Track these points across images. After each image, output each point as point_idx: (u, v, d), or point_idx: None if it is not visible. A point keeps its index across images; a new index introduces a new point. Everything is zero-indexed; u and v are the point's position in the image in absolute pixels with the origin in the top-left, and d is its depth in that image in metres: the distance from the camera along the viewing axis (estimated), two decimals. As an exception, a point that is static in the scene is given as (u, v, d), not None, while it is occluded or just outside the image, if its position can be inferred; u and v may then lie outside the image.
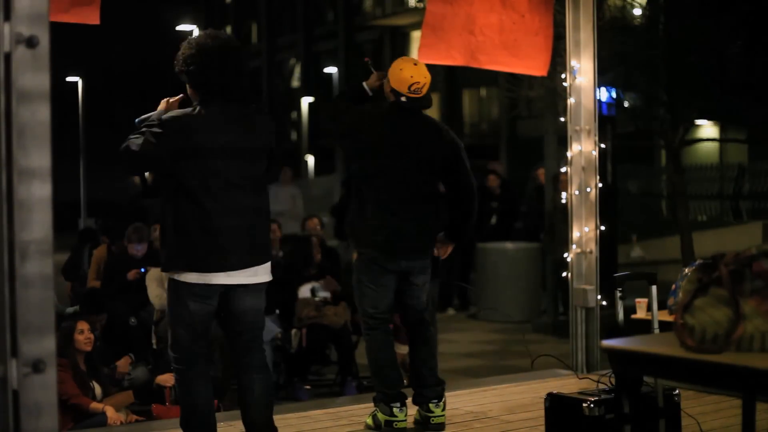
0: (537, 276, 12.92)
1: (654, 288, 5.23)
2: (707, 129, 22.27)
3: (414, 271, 5.42)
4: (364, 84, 5.50)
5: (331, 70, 39.10)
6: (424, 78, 5.28)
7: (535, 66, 6.95)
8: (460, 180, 5.40)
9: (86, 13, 5.62)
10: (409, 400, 5.46)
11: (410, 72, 5.26)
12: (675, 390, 4.77)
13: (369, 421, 5.46)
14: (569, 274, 6.99)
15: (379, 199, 5.28)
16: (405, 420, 5.34)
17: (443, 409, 5.42)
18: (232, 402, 7.23)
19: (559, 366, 6.95)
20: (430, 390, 5.42)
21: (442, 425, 5.41)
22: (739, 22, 10.49)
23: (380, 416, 5.36)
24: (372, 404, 5.50)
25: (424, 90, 5.30)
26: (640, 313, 5.72)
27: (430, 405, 5.38)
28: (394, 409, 5.31)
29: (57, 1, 5.45)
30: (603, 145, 7.34)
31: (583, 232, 6.94)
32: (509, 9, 6.71)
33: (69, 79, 33.76)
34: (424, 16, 6.56)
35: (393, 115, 5.34)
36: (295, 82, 44.18)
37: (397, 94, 5.29)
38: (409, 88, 5.25)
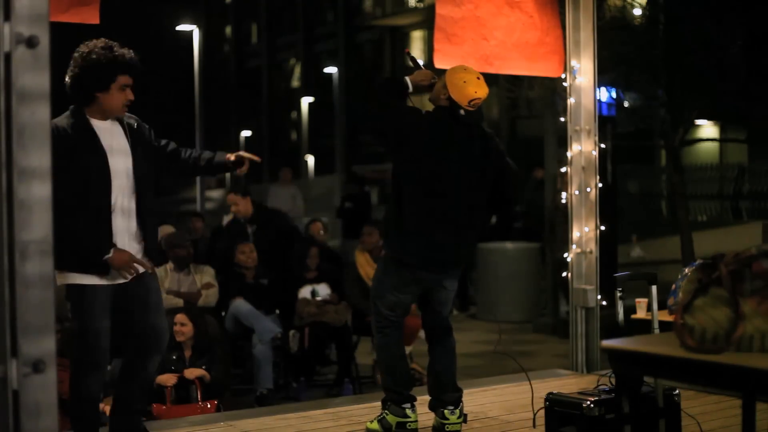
0: (537, 276, 12.93)
1: (654, 288, 5.22)
2: (707, 129, 22.26)
3: (446, 279, 5.34)
4: (407, 79, 5.33)
5: (331, 70, 39.10)
6: (484, 94, 5.20)
7: (550, 68, 6.93)
8: (506, 193, 5.38)
9: (85, 13, 5.61)
10: (424, 405, 5.43)
11: (474, 88, 5.15)
12: (675, 390, 4.77)
13: (374, 426, 5.33)
14: (569, 274, 7.00)
15: (422, 208, 5.15)
16: (417, 421, 5.29)
17: (459, 416, 5.33)
18: (231, 402, 7.25)
19: (558, 366, 6.95)
20: (449, 396, 5.34)
21: None
22: (739, 22, 10.50)
23: (390, 418, 5.28)
24: (367, 407, 5.47)
25: (479, 104, 5.23)
26: (640, 313, 5.72)
27: (446, 412, 5.31)
28: (407, 410, 5.26)
29: (56, 2, 5.45)
30: (603, 145, 7.35)
31: (583, 232, 6.94)
32: (516, 10, 6.69)
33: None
34: (427, 17, 6.53)
35: (446, 123, 5.21)
36: (295, 82, 44.19)
37: (455, 105, 5.17)
38: (469, 102, 5.16)
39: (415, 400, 5.34)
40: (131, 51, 4.66)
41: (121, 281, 4.61)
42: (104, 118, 4.63)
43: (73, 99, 4.61)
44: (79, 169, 4.47)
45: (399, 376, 5.33)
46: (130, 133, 4.67)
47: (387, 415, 5.30)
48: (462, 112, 5.18)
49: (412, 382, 5.43)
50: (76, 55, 4.57)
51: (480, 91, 5.18)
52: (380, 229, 7.82)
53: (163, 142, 4.88)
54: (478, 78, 5.21)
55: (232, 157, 4.91)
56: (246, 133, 48.10)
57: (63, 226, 4.53)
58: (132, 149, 4.64)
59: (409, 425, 5.27)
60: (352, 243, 12.58)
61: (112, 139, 4.61)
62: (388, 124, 5.28)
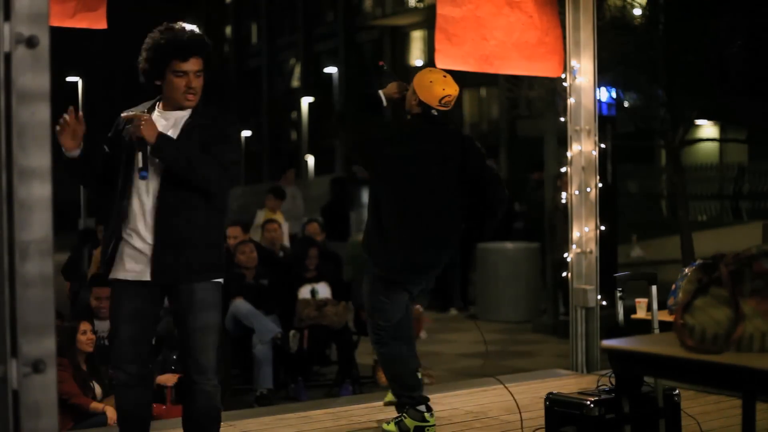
0: (537, 276, 12.92)
1: (654, 288, 5.22)
2: (707, 129, 22.27)
3: (426, 287, 5.40)
4: (381, 93, 5.31)
5: (331, 70, 39.10)
6: (454, 91, 5.20)
7: (549, 68, 6.93)
8: (497, 193, 5.28)
9: (92, 18, 5.59)
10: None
11: (441, 86, 5.16)
12: (675, 390, 4.77)
13: (392, 427, 5.32)
14: (569, 274, 6.99)
15: (403, 222, 5.14)
16: (435, 425, 5.29)
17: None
18: (231, 402, 7.24)
19: (558, 366, 6.95)
20: None
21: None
22: (739, 22, 10.49)
23: (409, 422, 5.27)
24: (367, 407, 5.46)
25: (453, 103, 5.22)
26: (640, 313, 5.71)
27: None
28: (425, 414, 5.26)
29: (63, 7, 5.44)
30: (603, 145, 7.35)
31: (583, 232, 6.94)
32: (516, 10, 6.69)
33: (69, 79, 33.77)
34: (427, 17, 6.53)
35: (420, 129, 5.21)
36: (295, 82, 44.18)
37: (426, 107, 5.18)
38: (440, 101, 5.16)
39: (429, 400, 5.34)
40: (194, 30, 4.26)
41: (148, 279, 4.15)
42: (171, 107, 4.29)
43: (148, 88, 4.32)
44: (117, 157, 4.22)
45: (407, 382, 5.33)
46: (188, 126, 4.24)
47: (405, 418, 5.29)
48: (434, 112, 5.17)
49: (421, 384, 5.41)
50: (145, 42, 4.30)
51: (449, 88, 5.17)
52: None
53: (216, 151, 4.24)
54: (445, 77, 5.21)
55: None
56: (246, 133, 48.11)
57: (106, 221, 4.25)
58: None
59: (428, 429, 5.26)
60: (335, 244, 12.63)
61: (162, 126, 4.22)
62: (359, 148, 5.33)
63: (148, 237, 4.18)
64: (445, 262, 5.36)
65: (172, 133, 4.22)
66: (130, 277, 4.21)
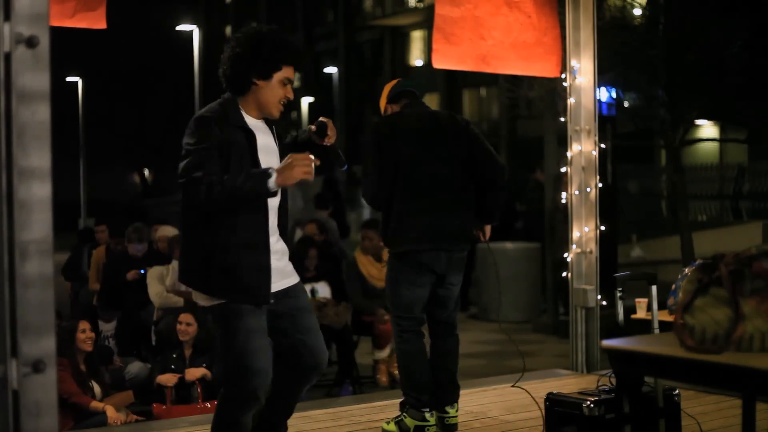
0: (537, 276, 12.93)
1: (654, 288, 5.22)
2: (707, 129, 22.27)
3: (451, 269, 5.31)
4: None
5: (331, 70, 39.11)
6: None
7: (547, 68, 6.93)
8: (485, 161, 5.32)
9: (92, 18, 5.60)
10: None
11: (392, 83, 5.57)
12: (675, 390, 4.77)
13: (392, 427, 5.31)
14: (569, 274, 6.99)
15: (412, 196, 5.21)
16: (435, 425, 5.28)
17: (457, 410, 5.38)
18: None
19: (558, 366, 6.95)
20: (450, 395, 5.36)
21: (455, 426, 5.37)
22: (739, 22, 10.50)
23: (409, 421, 5.25)
24: (367, 407, 5.46)
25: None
26: (640, 313, 5.72)
27: (446, 407, 5.33)
28: (426, 414, 5.24)
29: (62, 7, 5.45)
30: (603, 145, 7.34)
31: (583, 232, 6.94)
32: (515, 10, 6.69)
33: (69, 79, 33.79)
34: (427, 17, 6.54)
35: (404, 117, 5.36)
36: (295, 82, 44.22)
37: (401, 91, 5.46)
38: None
39: (434, 406, 5.30)
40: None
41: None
42: (258, 114, 4.01)
43: (230, 84, 3.98)
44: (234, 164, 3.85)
45: (417, 382, 5.28)
46: (277, 136, 4.11)
47: (405, 417, 5.27)
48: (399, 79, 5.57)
49: (432, 388, 5.33)
50: (238, 35, 3.99)
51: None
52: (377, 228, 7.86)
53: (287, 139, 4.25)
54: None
55: (313, 127, 4.15)
56: (246, 133, 48.07)
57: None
58: (279, 151, 4.07)
59: (428, 429, 5.24)
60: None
61: (264, 137, 4.02)
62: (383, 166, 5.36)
63: (279, 248, 4.08)
64: (462, 238, 5.31)
65: (270, 143, 4.06)
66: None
